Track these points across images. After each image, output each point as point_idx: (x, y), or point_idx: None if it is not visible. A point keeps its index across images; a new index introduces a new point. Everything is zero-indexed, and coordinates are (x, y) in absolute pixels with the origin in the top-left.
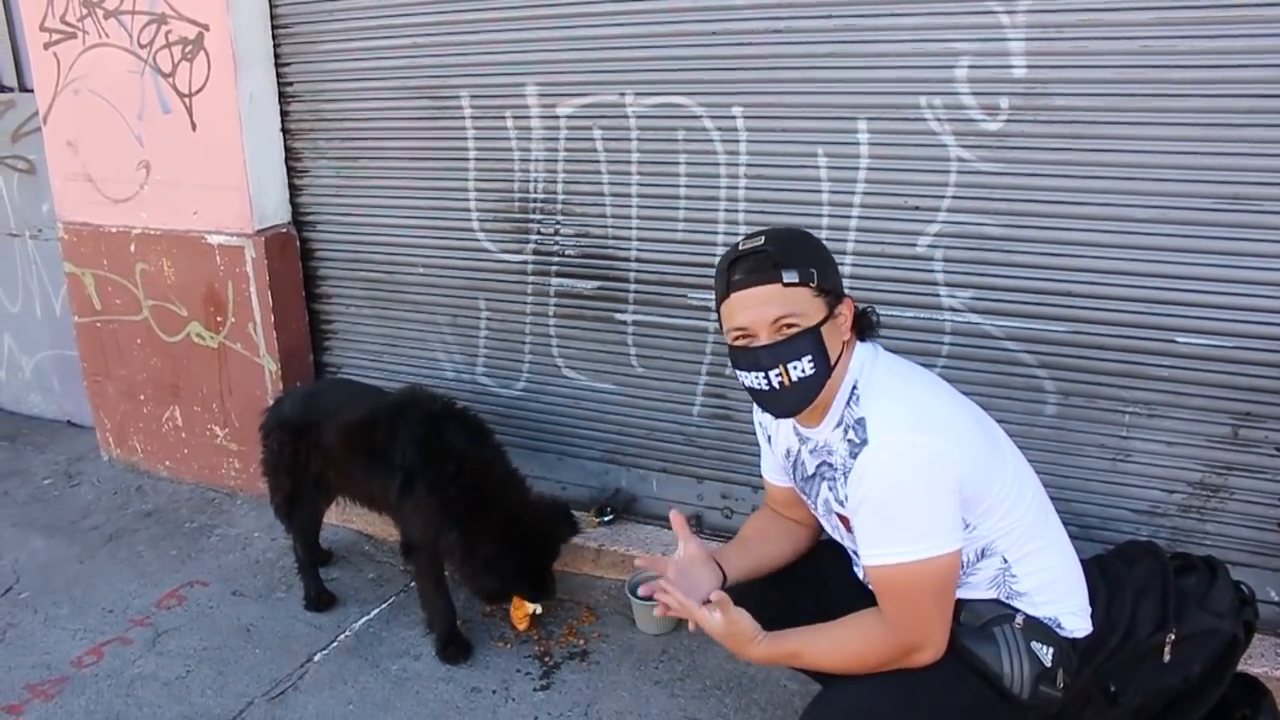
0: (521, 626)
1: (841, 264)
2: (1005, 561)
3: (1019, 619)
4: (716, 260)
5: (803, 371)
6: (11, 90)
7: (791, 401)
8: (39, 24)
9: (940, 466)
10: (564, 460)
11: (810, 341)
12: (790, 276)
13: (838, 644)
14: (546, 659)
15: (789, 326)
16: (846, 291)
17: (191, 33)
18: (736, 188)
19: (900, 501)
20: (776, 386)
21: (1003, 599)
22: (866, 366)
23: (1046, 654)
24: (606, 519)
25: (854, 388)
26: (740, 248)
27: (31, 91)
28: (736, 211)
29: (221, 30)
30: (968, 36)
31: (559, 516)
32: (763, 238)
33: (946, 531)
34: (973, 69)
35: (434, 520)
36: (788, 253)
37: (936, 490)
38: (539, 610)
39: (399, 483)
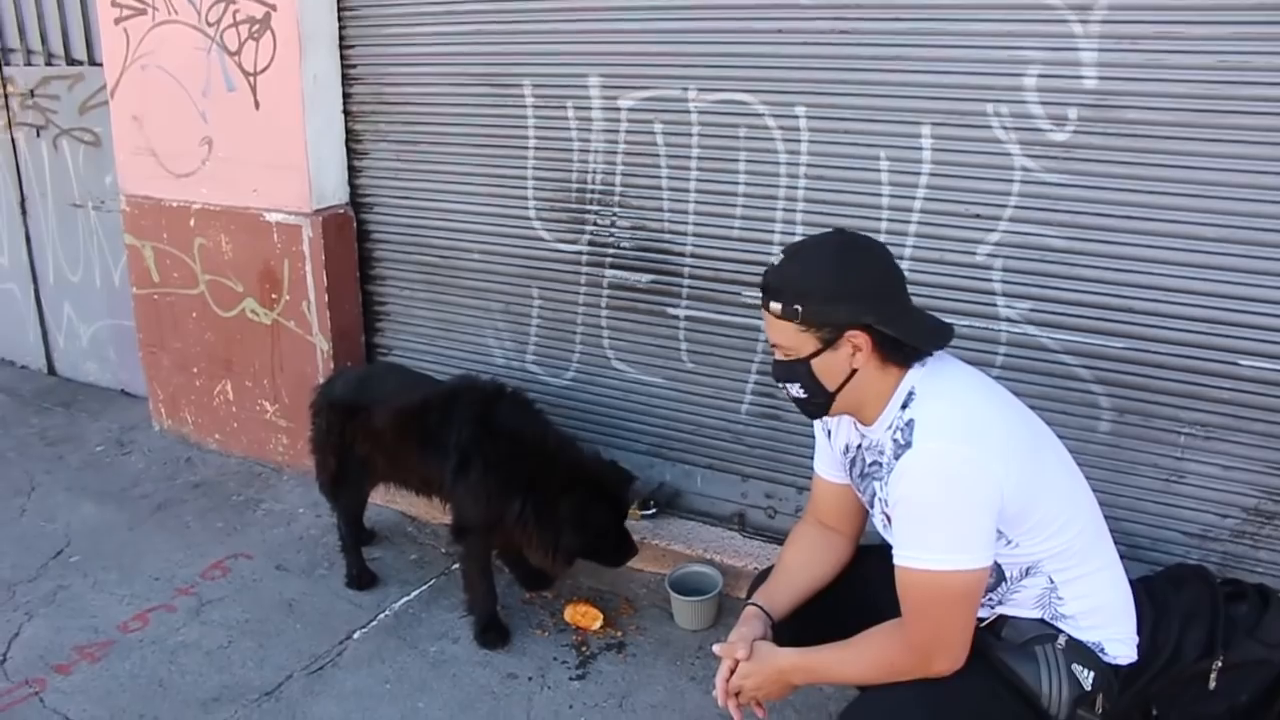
0: (594, 625)
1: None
2: (1052, 583)
3: (1061, 640)
4: (772, 258)
5: (796, 393)
6: (81, 64)
7: (805, 410)
8: None
9: (979, 480)
10: (610, 452)
11: (797, 371)
12: (776, 308)
13: (858, 654)
14: (583, 649)
15: (782, 351)
16: (867, 322)
17: (259, 12)
18: (796, 187)
19: (933, 509)
20: (790, 396)
21: (1047, 619)
22: (929, 371)
23: (1087, 678)
24: (649, 513)
25: (911, 391)
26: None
27: (100, 65)
28: (795, 211)
29: (289, 11)
30: (1038, 45)
31: (620, 471)
32: (783, 255)
33: (978, 547)
34: (1042, 78)
35: (495, 496)
36: (782, 282)
37: (972, 503)
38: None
39: (454, 464)
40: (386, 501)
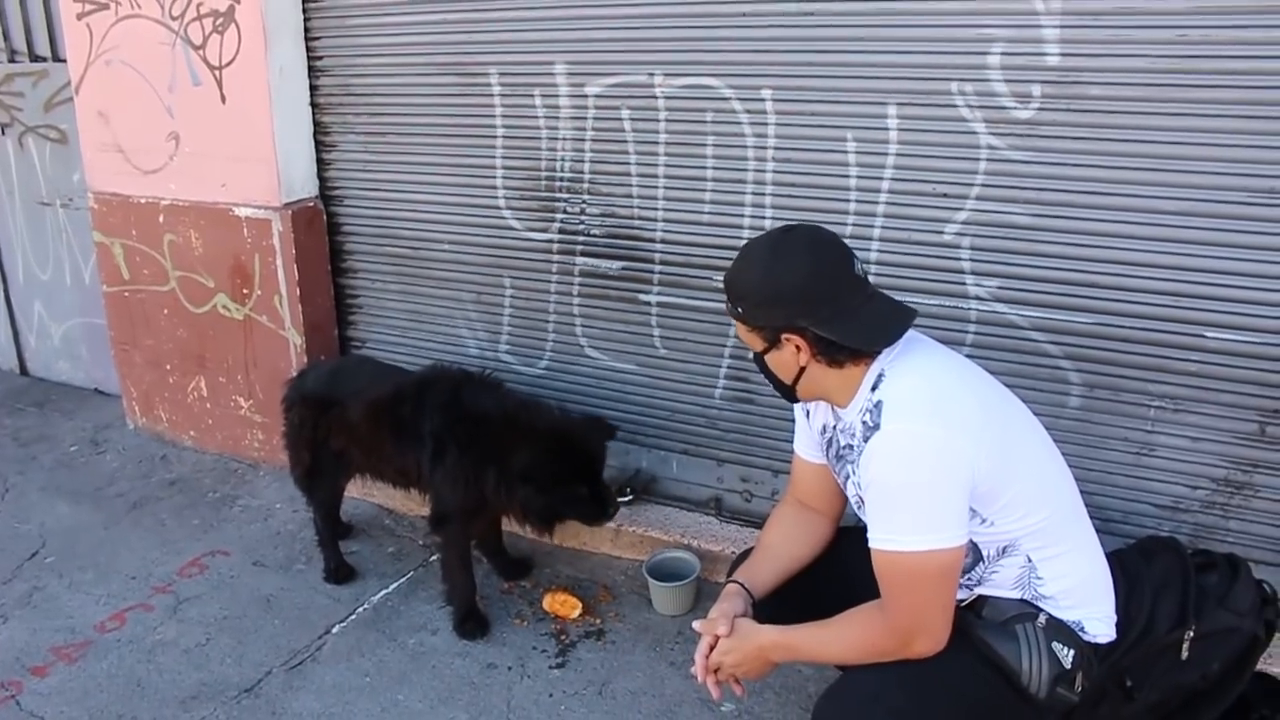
0: (573, 614)
1: (868, 250)
2: (1029, 562)
3: (1042, 619)
4: (741, 243)
5: (766, 381)
6: (45, 60)
7: (780, 395)
8: None
9: (947, 459)
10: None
11: (758, 362)
12: (728, 306)
13: (839, 634)
14: (563, 637)
15: (745, 344)
16: (801, 326)
17: (223, 5)
18: (764, 171)
19: (903, 490)
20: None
21: (1028, 599)
22: (900, 353)
23: (1067, 656)
24: (626, 499)
25: (881, 373)
26: None
27: (64, 62)
28: (764, 195)
29: (253, 3)
30: (1001, 23)
31: (594, 423)
32: (740, 251)
33: (951, 525)
34: (1005, 55)
35: (470, 474)
36: (729, 281)
37: (941, 483)
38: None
39: (430, 451)
40: (364, 495)
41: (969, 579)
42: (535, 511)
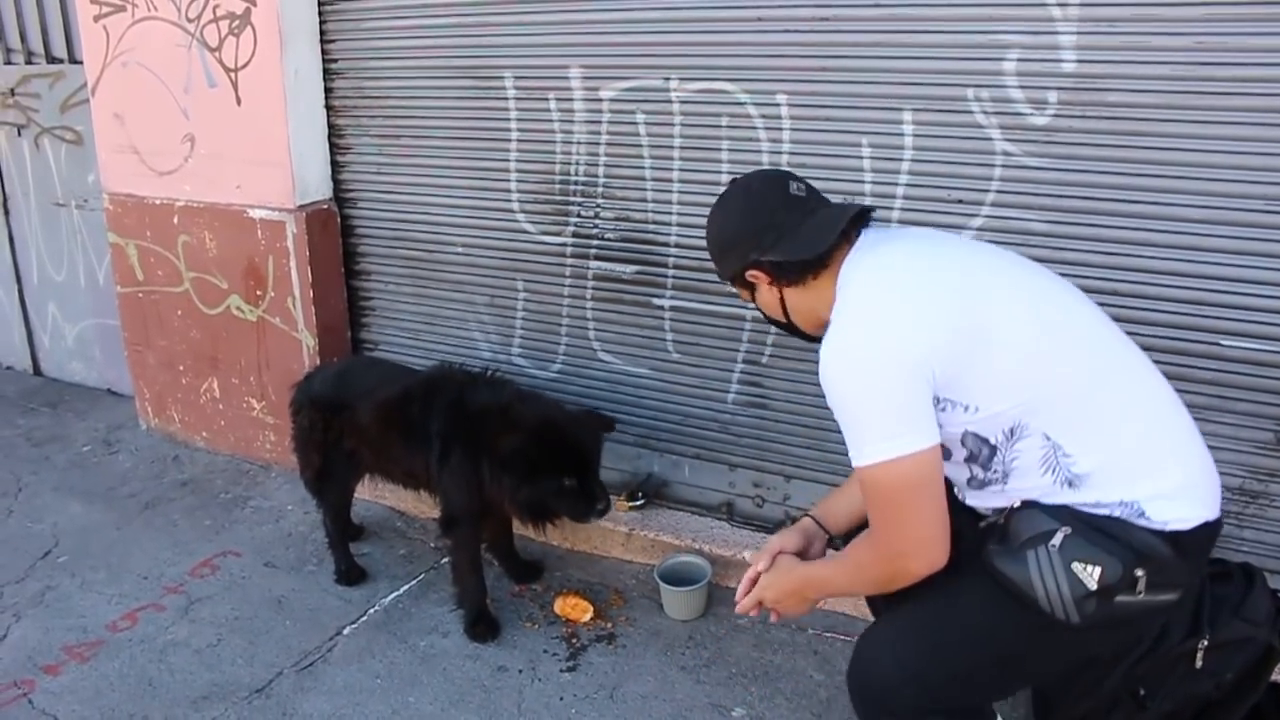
0: (584, 617)
1: None
2: (1049, 440)
3: (1058, 538)
4: None
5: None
6: (62, 61)
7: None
8: None
9: (887, 359)
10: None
11: (761, 313)
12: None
13: (843, 565)
14: (573, 640)
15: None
16: (754, 259)
17: (239, 8)
18: None
19: (850, 402)
20: None
21: (1062, 484)
22: (855, 254)
23: (1092, 574)
24: (638, 503)
25: (843, 279)
26: None
27: (81, 63)
28: None
29: (269, 6)
30: (1017, 29)
31: (589, 416)
32: None
33: (912, 426)
34: (1021, 62)
35: (475, 471)
36: (708, 250)
37: (886, 385)
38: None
39: (437, 452)
40: (375, 497)
41: (992, 472)
42: (521, 504)
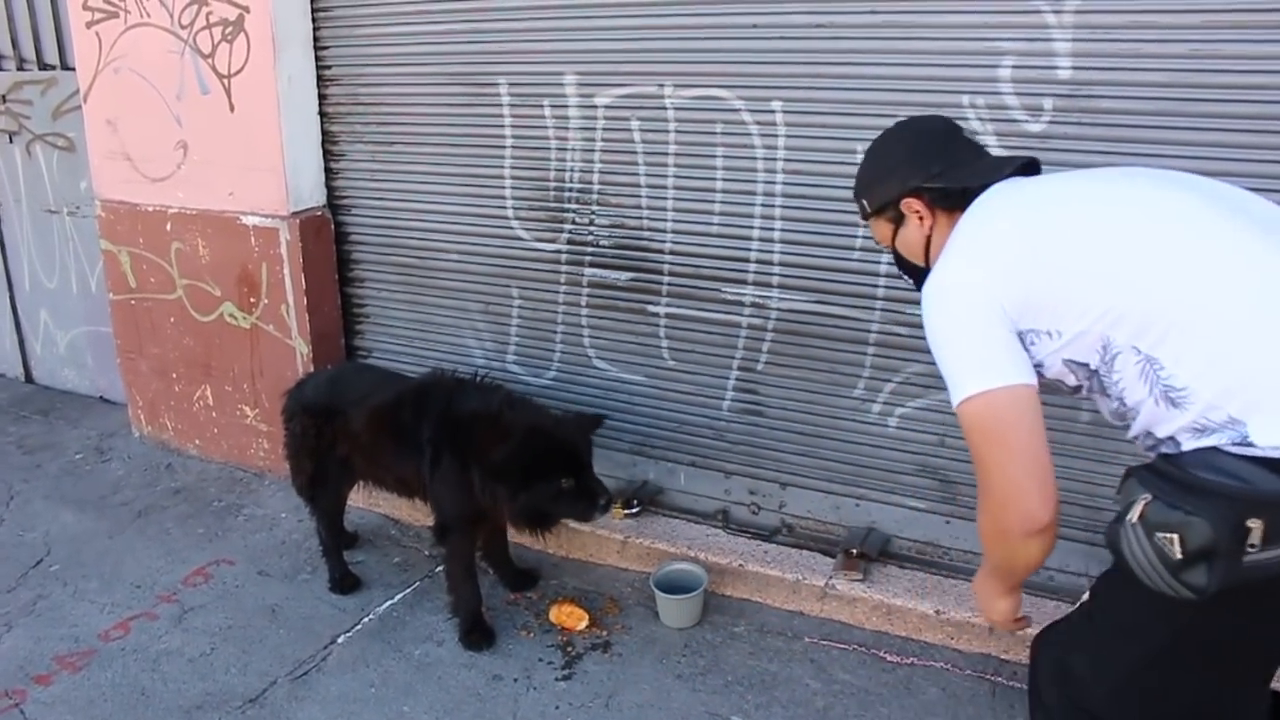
0: (580, 626)
1: (877, 262)
2: (1141, 354)
3: (1138, 507)
4: (751, 254)
5: (911, 285)
6: (54, 68)
7: None
8: (82, 2)
9: (970, 304)
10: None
11: (895, 260)
12: (859, 209)
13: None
14: (569, 649)
15: (882, 246)
16: (914, 186)
17: (232, 14)
18: (774, 183)
19: (940, 344)
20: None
21: (1165, 404)
22: (979, 199)
23: (1173, 542)
24: (633, 511)
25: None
26: None
27: (73, 70)
28: (773, 206)
29: (262, 12)
30: (1013, 36)
31: (578, 416)
32: None
33: (999, 364)
34: (1017, 69)
35: (463, 477)
36: (856, 184)
37: (971, 325)
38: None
39: (429, 459)
40: (369, 505)
41: (1115, 400)
42: (520, 512)
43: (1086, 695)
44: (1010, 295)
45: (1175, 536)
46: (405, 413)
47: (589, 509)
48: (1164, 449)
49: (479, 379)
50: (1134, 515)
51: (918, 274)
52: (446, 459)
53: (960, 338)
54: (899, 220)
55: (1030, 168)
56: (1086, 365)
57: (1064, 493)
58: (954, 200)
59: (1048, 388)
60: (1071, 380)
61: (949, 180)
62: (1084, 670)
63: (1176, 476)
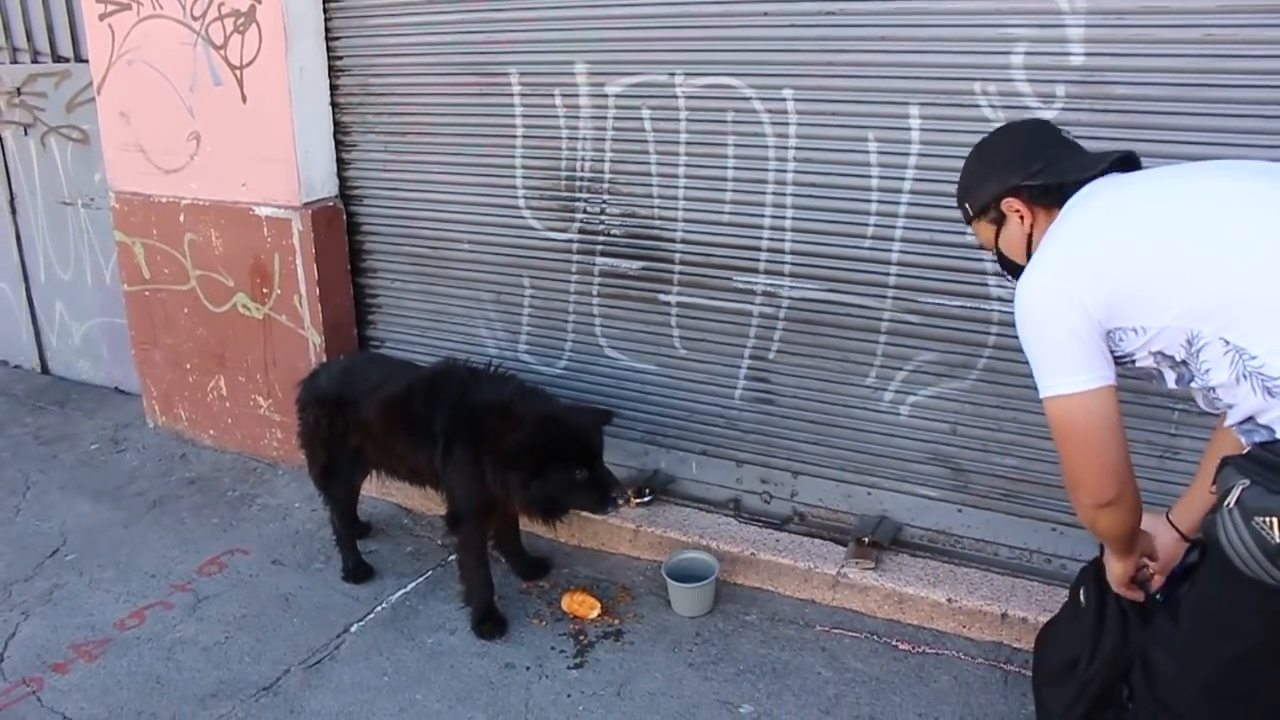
0: (592, 614)
1: (888, 250)
2: (1229, 344)
3: (1235, 493)
4: (762, 243)
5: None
6: (68, 60)
7: None
8: None
9: (1054, 308)
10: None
11: (1001, 264)
12: (961, 217)
13: None
14: (581, 637)
15: (985, 250)
16: (1015, 185)
17: (244, 5)
18: (785, 171)
19: (1027, 342)
20: None
21: (1263, 393)
22: (1076, 197)
23: (1272, 527)
24: (645, 499)
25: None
26: None
27: (86, 62)
28: (785, 195)
29: (273, 3)
30: (1025, 22)
31: (589, 409)
32: None
33: (1072, 370)
34: (1029, 55)
35: (475, 467)
36: (958, 189)
37: (1051, 330)
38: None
39: (441, 449)
40: (382, 494)
41: (1207, 391)
42: (533, 501)
43: (1172, 693)
44: (1095, 297)
45: (1274, 520)
46: (418, 402)
47: (602, 501)
48: (1258, 437)
49: (491, 369)
50: (1231, 500)
51: (1020, 273)
52: (459, 449)
53: (1043, 341)
54: (1000, 221)
55: (1128, 161)
56: (1173, 358)
57: None
58: (1053, 196)
59: (1142, 375)
60: (1170, 376)
61: (1047, 177)
62: (1170, 668)
63: (1273, 462)
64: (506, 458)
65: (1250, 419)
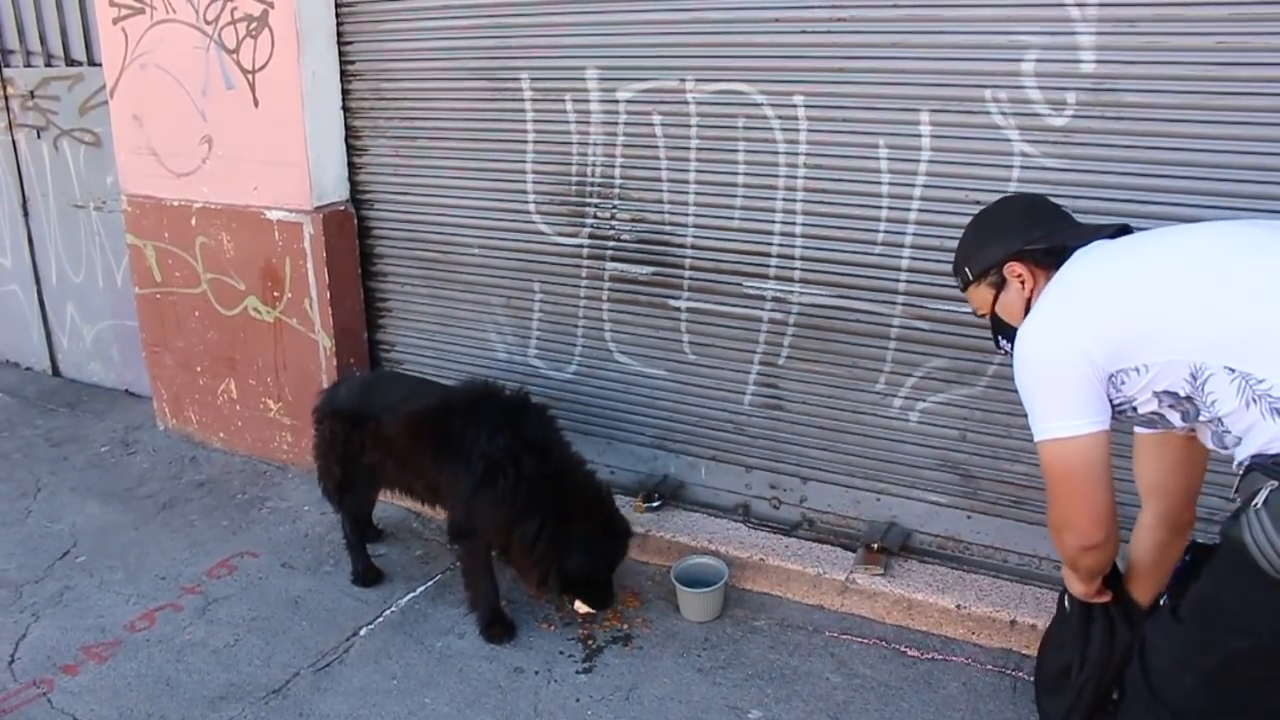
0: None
1: (898, 257)
2: (1234, 371)
3: (1263, 494)
4: (772, 248)
5: (1006, 349)
6: (81, 64)
7: None
8: None
9: (1054, 353)
10: (613, 445)
11: (994, 327)
12: (958, 283)
13: None
14: (590, 642)
15: (979, 314)
16: (1016, 250)
17: (257, 10)
18: (795, 177)
19: (1025, 389)
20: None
21: (1274, 416)
22: (1074, 257)
23: None
24: (654, 505)
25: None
26: None
27: (100, 66)
28: (795, 201)
29: (286, 8)
30: (1036, 29)
31: (623, 521)
32: None
33: (1073, 413)
34: (1040, 63)
35: (519, 509)
36: (956, 257)
37: (1051, 374)
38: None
39: (480, 472)
40: (392, 499)
41: (1213, 423)
42: (568, 571)
43: (1168, 684)
44: (1098, 340)
45: None
46: (455, 421)
47: (606, 602)
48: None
49: (526, 396)
50: (1259, 501)
51: (1012, 336)
52: (506, 478)
53: (1043, 385)
54: (1000, 285)
55: (1124, 232)
56: (1176, 394)
57: None
58: (1053, 257)
59: (1143, 422)
60: (1172, 415)
61: (1050, 241)
62: (1169, 660)
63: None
64: (579, 542)
65: (1262, 452)
